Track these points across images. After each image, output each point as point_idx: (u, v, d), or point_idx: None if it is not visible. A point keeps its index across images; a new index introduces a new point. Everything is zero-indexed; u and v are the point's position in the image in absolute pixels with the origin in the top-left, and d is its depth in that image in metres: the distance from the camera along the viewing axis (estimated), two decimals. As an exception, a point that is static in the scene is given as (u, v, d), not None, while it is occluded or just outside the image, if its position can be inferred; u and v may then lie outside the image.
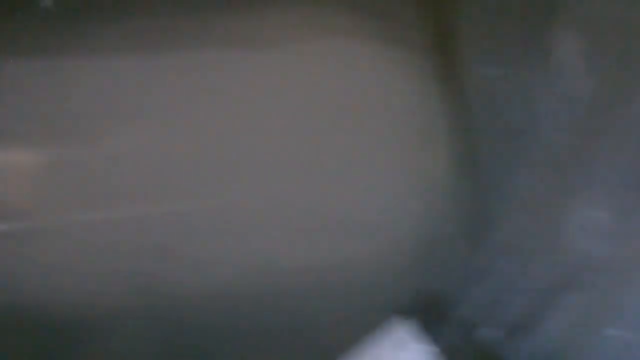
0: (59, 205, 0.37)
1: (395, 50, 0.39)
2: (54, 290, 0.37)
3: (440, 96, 0.40)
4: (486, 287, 0.30)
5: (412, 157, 0.38)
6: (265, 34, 0.39)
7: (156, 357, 0.39)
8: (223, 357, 0.39)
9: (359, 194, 0.38)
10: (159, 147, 0.37)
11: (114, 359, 0.38)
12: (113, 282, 0.37)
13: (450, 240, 0.38)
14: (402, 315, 0.30)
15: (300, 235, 0.37)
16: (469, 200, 0.39)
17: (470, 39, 0.41)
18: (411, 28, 0.41)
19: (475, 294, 0.30)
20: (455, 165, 0.39)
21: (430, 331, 0.30)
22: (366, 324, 0.31)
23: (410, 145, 0.38)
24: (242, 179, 0.37)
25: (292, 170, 0.37)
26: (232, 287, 0.38)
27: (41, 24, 0.38)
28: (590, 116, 0.32)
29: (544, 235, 0.30)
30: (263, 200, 0.37)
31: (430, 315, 0.30)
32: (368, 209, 0.38)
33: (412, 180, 0.38)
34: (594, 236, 0.29)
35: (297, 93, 0.38)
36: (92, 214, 0.37)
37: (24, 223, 0.36)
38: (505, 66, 0.39)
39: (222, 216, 0.37)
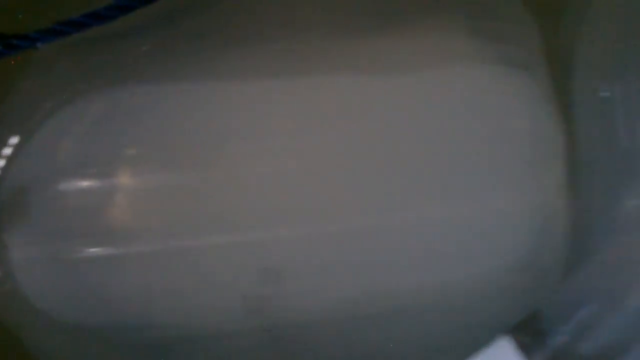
0: (172, 229, 0.38)
1: (517, 74, 0.40)
2: (162, 312, 0.38)
3: (559, 118, 0.40)
4: (586, 308, 0.30)
5: (528, 179, 0.39)
6: (390, 60, 0.40)
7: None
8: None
9: (475, 216, 0.38)
10: (275, 171, 0.38)
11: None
12: (223, 304, 0.38)
13: (555, 261, 0.39)
14: (505, 335, 0.31)
15: (410, 258, 0.38)
16: (575, 222, 0.40)
17: (591, 61, 0.41)
18: (532, 52, 0.41)
19: (575, 314, 0.30)
20: (567, 188, 0.40)
21: (531, 351, 0.30)
22: (472, 343, 0.32)
23: (526, 168, 0.39)
24: (358, 204, 0.38)
25: (408, 194, 0.38)
26: (345, 310, 0.39)
27: (157, 49, 0.40)
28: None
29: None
30: (376, 225, 0.38)
31: (531, 335, 0.31)
32: (481, 231, 0.38)
33: (526, 202, 0.39)
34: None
35: (420, 117, 0.39)
36: (204, 238, 0.38)
37: (136, 247, 0.38)
38: (625, 89, 0.39)
39: (338, 240, 0.38)
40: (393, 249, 0.38)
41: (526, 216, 0.39)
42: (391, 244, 0.38)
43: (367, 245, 0.38)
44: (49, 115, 0.38)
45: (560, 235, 0.39)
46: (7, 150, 0.38)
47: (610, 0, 0.41)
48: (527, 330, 0.31)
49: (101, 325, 0.38)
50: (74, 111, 0.38)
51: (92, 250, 0.37)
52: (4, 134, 0.38)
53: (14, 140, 0.38)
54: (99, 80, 0.39)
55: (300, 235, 0.38)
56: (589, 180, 0.41)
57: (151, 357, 0.39)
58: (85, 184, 0.38)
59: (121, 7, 0.39)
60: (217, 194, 0.38)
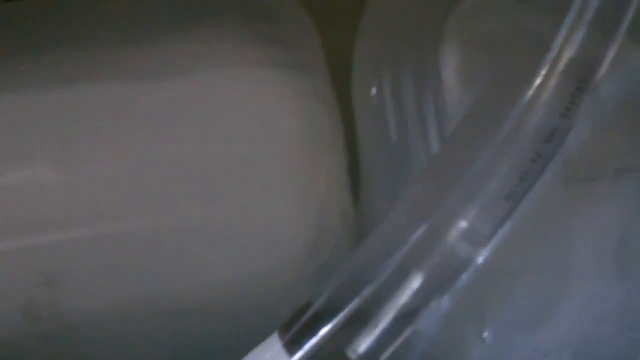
0: None
1: (294, 75, 0.41)
2: None
3: (338, 117, 0.42)
4: (362, 296, 0.31)
5: (304, 176, 0.40)
6: (171, 66, 0.40)
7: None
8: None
9: (251, 215, 0.39)
10: (46, 180, 0.38)
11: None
12: (3, 311, 0.37)
13: (337, 254, 0.40)
14: (279, 331, 0.31)
15: (191, 259, 0.39)
16: (356, 215, 0.42)
17: (366, 60, 0.43)
18: (311, 54, 0.43)
19: (350, 302, 0.31)
20: (345, 182, 0.41)
21: (298, 345, 0.30)
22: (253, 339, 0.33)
23: (303, 165, 0.40)
24: (134, 207, 0.38)
25: (186, 196, 0.38)
26: (122, 311, 0.38)
27: None
28: (465, 130, 0.33)
29: (424, 244, 0.31)
30: (156, 226, 0.38)
31: (299, 329, 0.31)
32: (262, 226, 0.39)
33: (304, 197, 0.40)
34: (472, 244, 0.31)
35: (196, 122, 0.39)
36: None
37: None
38: (394, 85, 0.41)
39: (114, 242, 0.38)
40: (173, 250, 0.38)
41: (303, 212, 0.40)
42: (171, 245, 0.38)
43: (147, 246, 0.38)
44: None
45: (341, 229, 0.41)
46: None
47: (382, 5, 0.43)
48: (296, 324, 0.31)
49: None
50: None
51: None
52: None
53: None
54: None
55: (77, 238, 0.38)
56: (369, 174, 0.43)
57: None
58: None
59: None
60: None
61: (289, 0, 0.44)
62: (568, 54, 0.30)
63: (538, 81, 0.30)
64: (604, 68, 0.31)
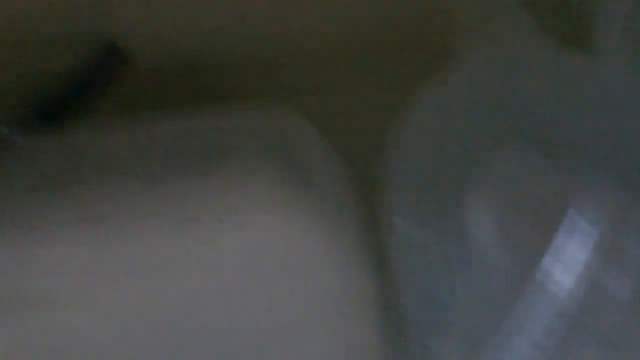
0: None
1: (324, 222, 0.40)
2: None
3: (371, 266, 0.41)
4: None
5: (339, 326, 0.39)
6: (191, 209, 0.39)
7: None
8: None
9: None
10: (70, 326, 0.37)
11: None
12: None
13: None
14: None
15: None
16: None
17: (396, 206, 0.43)
18: (342, 199, 0.42)
19: None
20: (381, 333, 0.40)
21: None
22: None
23: (337, 315, 0.39)
24: None
25: (209, 345, 0.38)
26: None
27: None
28: (504, 287, 0.34)
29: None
30: None
31: None
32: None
33: (340, 349, 0.39)
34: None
35: (222, 269, 0.39)
36: None
37: None
38: (428, 232, 0.41)
39: None
40: None
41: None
42: None
43: None
44: None
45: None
46: None
47: (413, 153, 0.42)
48: None
49: None
50: None
51: None
52: None
53: None
54: None
55: None
56: (404, 331, 0.41)
57: None
58: None
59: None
60: None
61: (311, 135, 0.44)
62: (586, 217, 0.31)
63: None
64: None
